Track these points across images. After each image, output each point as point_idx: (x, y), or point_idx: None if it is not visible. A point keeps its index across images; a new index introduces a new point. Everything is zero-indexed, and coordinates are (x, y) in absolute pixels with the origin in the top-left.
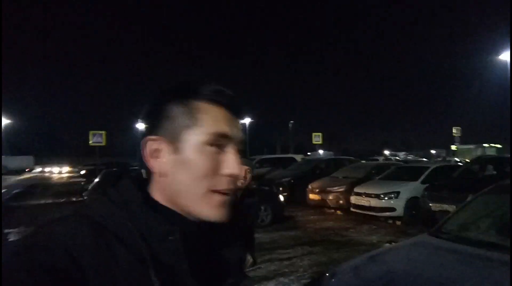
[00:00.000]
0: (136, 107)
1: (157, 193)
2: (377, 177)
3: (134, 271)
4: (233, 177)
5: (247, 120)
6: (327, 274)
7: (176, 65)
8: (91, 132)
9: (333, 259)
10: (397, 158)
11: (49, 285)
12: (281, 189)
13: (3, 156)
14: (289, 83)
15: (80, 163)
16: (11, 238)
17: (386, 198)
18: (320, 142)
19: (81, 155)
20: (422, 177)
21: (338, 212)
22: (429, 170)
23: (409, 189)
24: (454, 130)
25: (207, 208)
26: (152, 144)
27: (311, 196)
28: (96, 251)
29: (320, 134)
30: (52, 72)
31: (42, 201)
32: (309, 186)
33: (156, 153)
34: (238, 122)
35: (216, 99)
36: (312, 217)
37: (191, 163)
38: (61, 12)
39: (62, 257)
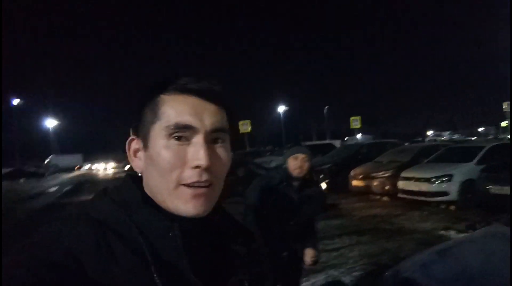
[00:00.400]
0: None
1: (147, 192)
2: (426, 160)
3: (136, 269)
4: (201, 169)
5: (281, 108)
6: (388, 273)
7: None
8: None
9: (384, 249)
10: (443, 138)
11: (48, 282)
12: (321, 176)
13: (53, 156)
14: (323, 67)
15: (124, 159)
16: None
17: (437, 182)
18: (358, 126)
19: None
20: (477, 158)
21: (384, 198)
22: (485, 150)
23: (463, 171)
24: (504, 105)
25: (181, 203)
26: (132, 144)
27: (354, 182)
28: (96, 249)
29: (358, 117)
30: (94, 74)
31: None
32: (352, 173)
33: (135, 152)
34: (216, 109)
35: (183, 89)
36: (356, 204)
37: (157, 158)
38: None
39: (63, 255)
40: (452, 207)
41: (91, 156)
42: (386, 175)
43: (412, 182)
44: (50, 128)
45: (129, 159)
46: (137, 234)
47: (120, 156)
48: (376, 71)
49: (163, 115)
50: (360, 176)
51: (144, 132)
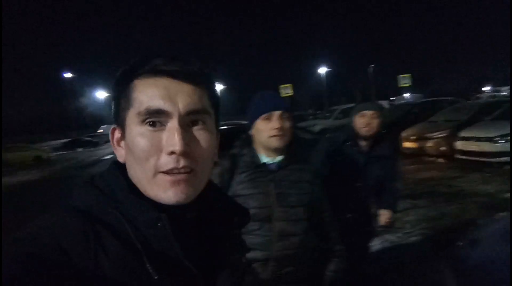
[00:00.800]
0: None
1: (132, 181)
2: (488, 118)
3: (127, 259)
4: (177, 155)
5: (322, 70)
6: (462, 243)
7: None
8: None
9: (444, 213)
10: (503, 93)
11: (38, 275)
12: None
13: (105, 126)
14: (367, 24)
15: None
16: None
17: (502, 141)
18: (408, 85)
19: None
20: None
21: (440, 160)
22: None
23: None
24: None
25: (160, 191)
26: (115, 133)
27: (406, 144)
28: (85, 241)
29: (408, 75)
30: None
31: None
32: (403, 134)
33: (118, 141)
34: (192, 89)
35: (155, 71)
36: (409, 167)
37: (133, 146)
38: None
39: (51, 248)
40: None
41: None
42: (442, 135)
43: (472, 142)
44: (101, 99)
45: (113, 149)
46: (126, 225)
47: None
48: (425, 24)
49: (135, 101)
50: (413, 137)
51: (121, 121)
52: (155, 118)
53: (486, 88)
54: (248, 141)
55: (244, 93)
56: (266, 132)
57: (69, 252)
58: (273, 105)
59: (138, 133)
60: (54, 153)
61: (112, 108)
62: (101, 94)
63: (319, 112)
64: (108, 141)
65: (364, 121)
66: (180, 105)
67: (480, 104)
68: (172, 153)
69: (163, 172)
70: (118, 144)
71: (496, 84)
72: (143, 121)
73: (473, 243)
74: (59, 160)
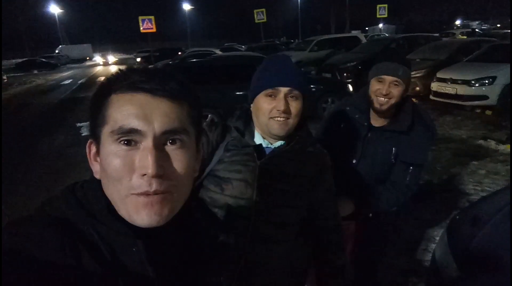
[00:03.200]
0: None
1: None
2: (465, 59)
3: (101, 278)
4: (150, 177)
5: None
6: (460, 216)
7: None
8: (140, 18)
9: None
10: (476, 29)
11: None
12: (345, 75)
13: (62, 46)
14: None
15: (134, 50)
16: (84, 132)
17: (477, 85)
18: (385, 15)
19: (134, 41)
20: None
21: (414, 100)
22: None
23: (508, 73)
24: None
25: (133, 212)
26: (91, 148)
27: None
28: (62, 254)
29: (385, 5)
30: None
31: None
32: None
33: (94, 156)
34: (170, 106)
35: (132, 87)
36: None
37: (106, 164)
38: None
39: (27, 262)
40: (488, 112)
41: (99, 46)
42: (418, 75)
43: (448, 84)
44: (56, 16)
45: (90, 163)
46: (101, 245)
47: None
48: None
49: (110, 119)
50: None
51: (96, 136)
52: (129, 137)
53: (457, 22)
54: (246, 115)
55: (214, 15)
56: (267, 112)
57: (46, 265)
58: (282, 79)
59: (111, 151)
60: (6, 75)
61: (89, 122)
62: (55, 9)
63: (292, 41)
64: (67, 62)
65: (380, 89)
66: (156, 124)
67: (459, 43)
68: (144, 175)
69: (135, 194)
70: (95, 159)
71: (467, 17)
72: (117, 140)
73: (474, 221)
74: (12, 84)
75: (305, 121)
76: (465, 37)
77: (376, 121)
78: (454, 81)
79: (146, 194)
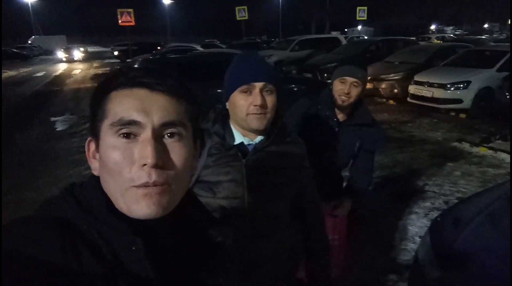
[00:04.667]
0: None
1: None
2: (442, 63)
3: (101, 278)
4: (150, 167)
5: None
6: (440, 218)
7: None
8: (119, 10)
9: (397, 161)
10: (449, 35)
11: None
12: (325, 76)
13: (36, 37)
14: None
15: (112, 43)
16: (59, 127)
17: (452, 89)
18: (364, 18)
19: (112, 34)
20: (499, 64)
21: (391, 102)
22: (508, 55)
23: (482, 78)
24: None
25: (133, 203)
26: (90, 145)
27: None
28: (62, 255)
29: (365, 8)
30: None
31: (82, 85)
32: None
33: (93, 154)
34: (168, 101)
35: (131, 83)
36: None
37: (105, 158)
38: None
39: (27, 263)
40: (463, 115)
41: (75, 38)
42: (396, 77)
43: (425, 87)
44: (29, 4)
45: (89, 161)
46: (101, 243)
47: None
48: None
49: (110, 112)
50: (368, 77)
51: (96, 132)
52: (128, 129)
53: (433, 27)
54: (222, 115)
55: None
56: (244, 108)
57: (46, 266)
58: (256, 74)
59: (111, 144)
60: None
61: (89, 120)
62: None
63: (273, 39)
64: (40, 54)
65: (342, 89)
66: (155, 116)
67: (436, 47)
68: (144, 165)
69: (135, 186)
70: (93, 157)
71: (442, 23)
72: (116, 132)
73: (456, 223)
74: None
75: (279, 113)
76: (440, 41)
77: (339, 117)
78: (430, 85)
79: (145, 185)
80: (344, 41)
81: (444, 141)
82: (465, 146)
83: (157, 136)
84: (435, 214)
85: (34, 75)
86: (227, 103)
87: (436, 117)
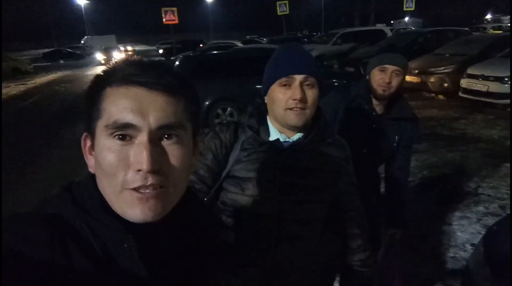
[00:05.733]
0: None
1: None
2: (498, 55)
3: (91, 273)
4: (145, 172)
5: None
6: (495, 227)
7: None
8: (163, 9)
9: (446, 161)
10: (508, 24)
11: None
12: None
13: (87, 37)
14: None
15: (157, 41)
16: None
17: (510, 82)
18: (412, 8)
19: (158, 33)
20: None
21: (440, 97)
22: None
23: None
24: None
25: (127, 207)
26: (86, 141)
27: (408, 77)
28: (50, 252)
29: None
30: None
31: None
32: None
33: (89, 150)
34: (167, 101)
35: (127, 81)
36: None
37: (101, 159)
38: None
39: (13, 255)
40: None
41: (123, 37)
42: (447, 70)
43: (479, 80)
44: (81, 7)
45: (85, 157)
46: (92, 240)
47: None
48: None
49: (104, 112)
50: (416, 71)
51: (91, 130)
52: (123, 131)
53: (488, 16)
54: (260, 110)
55: (237, 7)
56: (282, 102)
57: (32, 259)
58: (296, 66)
59: (106, 146)
60: (33, 65)
61: (85, 117)
62: (81, 1)
63: (315, 34)
64: (91, 53)
65: (383, 78)
66: (152, 118)
67: (492, 37)
68: (139, 170)
69: (130, 189)
70: (90, 153)
71: (497, 11)
72: (111, 134)
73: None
74: (39, 73)
75: (321, 111)
76: (500, 31)
77: (377, 109)
78: (485, 78)
79: (141, 188)
80: (389, 33)
81: (500, 140)
82: None
83: (154, 139)
84: (489, 219)
85: (87, 74)
86: (265, 97)
87: (492, 113)
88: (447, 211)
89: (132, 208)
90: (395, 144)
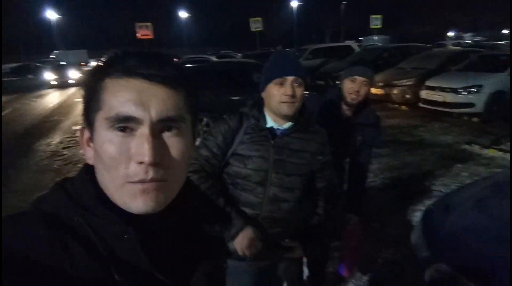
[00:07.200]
0: None
1: (100, 186)
2: (454, 68)
3: (93, 268)
4: (146, 165)
5: (294, 3)
6: (433, 206)
7: None
8: (137, 24)
9: (406, 163)
10: (466, 41)
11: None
12: (337, 83)
13: (57, 51)
14: None
15: None
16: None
17: (465, 93)
18: (379, 26)
19: (131, 47)
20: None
21: (403, 107)
22: None
23: (494, 81)
24: None
25: (129, 199)
26: (84, 132)
27: (373, 90)
28: (51, 250)
29: (379, 16)
30: None
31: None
32: None
33: (87, 141)
34: (168, 93)
35: (128, 72)
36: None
37: (101, 152)
38: None
39: (13, 254)
40: (475, 119)
41: (95, 52)
42: (408, 83)
43: (437, 91)
44: (52, 21)
45: (83, 149)
46: (92, 234)
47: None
48: None
49: (105, 104)
50: (380, 84)
51: (90, 122)
52: (124, 124)
53: (450, 34)
54: (259, 103)
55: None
56: (277, 97)
57: (34, 261)
58: (288, 69)
59: (106, 138)
60: None
61: (82, 107)
62: (52, 15)
63: (288, 49)
64: (40, 73)
65: (353, 87)
66: (153, 111)
67: (448, 53)
68: (140, 163)
69: (131, 182)
70: (88, 145)
71: (460, 29)
72: (112, 127)
73: (446, 209)
74: (6, 89)
75: (305, 106)
76: (458, 47)
77: (346, 114)
78: (442, 89)
79: (142, 181)
80: (357, 49)
81: (454, 144)
82: (475, 148)
83: (155, 131)
84: None
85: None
86: (262, 93)
87: (448, 122)
88: (405, 206)
89: (134, 199)
90: (358, 144)
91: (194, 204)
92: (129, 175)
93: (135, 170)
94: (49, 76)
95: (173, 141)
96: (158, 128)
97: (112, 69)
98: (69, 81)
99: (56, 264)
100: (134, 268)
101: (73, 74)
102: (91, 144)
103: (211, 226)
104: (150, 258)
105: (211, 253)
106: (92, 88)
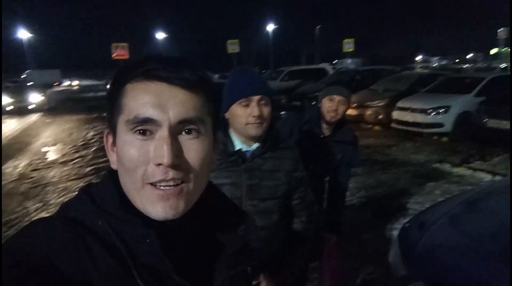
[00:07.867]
0: (157, 16)
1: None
2: (423, 90)
3: (116, 273)
4: (165, 166)
5: (270, 27)
6: (409, 224)
7: None
8: (113, 45)
9: (381, 182)
10: (433, 65)
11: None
12: (313, 104)
13: (29, 71)
14: None
15: (106, 76)
16: (50, 157)
17: (434, 113)
18: (352, 49)
19: (106, 68)
20: (477, 89)
21: (376, 127)
22: (485, 81)
23: (461, 102)
24: (501, 32)
25: (149, 205)
26: (108, 138)
27: (347, 111)
28: (75, 253)
29: (352, 40)
30: None
31: (74, 117)
32: None
33: (111, 146)
34: (187, 96)
35: (148, 76)
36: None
37: (122, 154)
38: None
39: (39, 259)
40: (445, 139)
41: (69, 72)
42: (380, 104)
43: (407, 112)
44: (24, 40)
45: (108, 154)
46: (115, 238)
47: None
48: None
49: (125, 108)
50: (354, 105)
51: (113, 126)
52: (144, 126)
53: (418, 57)
54: (224, 125)
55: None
56: (243, 119)
57: (57, 263)
58: (252, 88)
59: (126, 141)
60: None
61: (106, 112)
62: (24, 34)
63: (264, 71)
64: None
65: (331, 106)
66: (171, 113)
67: (417, 75)
68: (159, 165)
69: (150, 183)
70: (112, 149)
71: (428, 54)
72: (132, 130)
73: (421, 226)
74: None
75: (273, 122)
76: (426, 70)
77: (325, 132)
78: (413, 110)
79: (161, 183)
80: (330, 71)
81: (426, 163)
82: (446, 167)
83: (174, 134)
84: None
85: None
86: (226, 114)
87: (419, 141)
88: (381, 224)
89: (153, 205)
90: (336, 161)
91: (216, 208)
92: (148, 177)
93: (154, 171)
94: (4, 100)
95: (192, 144)
96: (177, 130)
97: (132, 74)
98: (29, 107)
99: (80, 269)
100: (156, 272)
101: (34, 98)
102: (115, 149)
103: (234, 230)
104: (172, 262)
105: (234, 258)
106: (114, 94)
